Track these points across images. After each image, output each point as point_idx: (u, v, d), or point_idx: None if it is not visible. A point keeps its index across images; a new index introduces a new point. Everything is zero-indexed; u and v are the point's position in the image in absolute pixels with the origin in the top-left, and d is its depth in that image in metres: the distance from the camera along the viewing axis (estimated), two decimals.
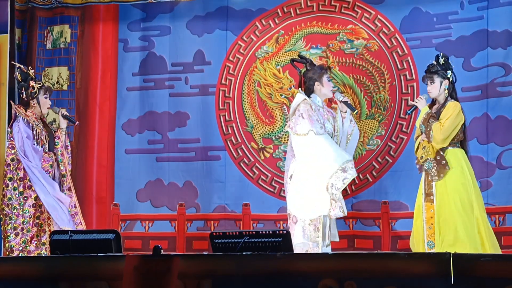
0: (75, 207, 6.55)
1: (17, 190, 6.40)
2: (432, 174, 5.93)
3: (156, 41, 7.69)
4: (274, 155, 7.39)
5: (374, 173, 7.14)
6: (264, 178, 7.39)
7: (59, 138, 6.61)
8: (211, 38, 7.57)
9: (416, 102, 6.13)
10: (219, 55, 7.56)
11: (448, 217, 5.84)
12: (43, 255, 6.26)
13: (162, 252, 4.42)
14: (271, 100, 7.47)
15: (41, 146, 6.50)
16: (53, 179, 6.51)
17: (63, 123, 6.69)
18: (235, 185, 7.41)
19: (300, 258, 4.47)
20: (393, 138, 7.12)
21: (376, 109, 7.18)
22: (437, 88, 6.03)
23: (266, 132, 7.45)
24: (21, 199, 6.39)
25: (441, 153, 5.92)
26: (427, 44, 7.04)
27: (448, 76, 6.02)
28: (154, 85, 7.70)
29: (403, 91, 7.12)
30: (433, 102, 6.12)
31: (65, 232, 5.04)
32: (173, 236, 7.50)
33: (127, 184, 7.67)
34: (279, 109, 7.44)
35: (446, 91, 6.02)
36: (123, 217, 7.64)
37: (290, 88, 7.41)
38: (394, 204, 6.99)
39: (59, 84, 7.84)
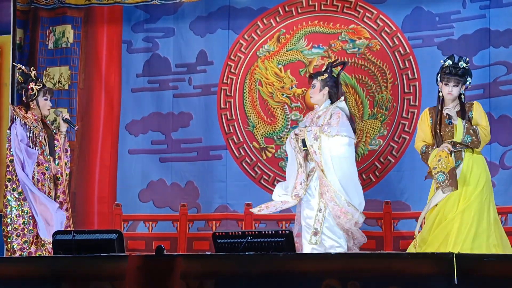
0: (67, 210, 6.54)
1: (16, 191, 6.39)
2: (444, 187, 5.75)
3: (160, 42, 7.70)
4: (276, 155, 7.39)
5: (377, 173, 7.13)
6: (266, 178, 7.38)
7: (58, 141, 6.60)
8: (213, 38, 7.57)
9: (450, 112, 5.85)
10: (221, 55, 7.56)
11: (470, 220, 5.77)
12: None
13: (165, 252, 4.42)
14: (272, 100, 7.47)
15: (41, 148, 6.49)
16: (49, 181, 6.51)
17: (63, 127, 6.66)
18: (237, 184, 7.41)
19: (303, 258, 4.47)
20: (396, 138, 7.11)
21: (378, 109, 7.17)
22: (458, 90, 5.92)
23: (267, 131, 7.45)
24: (21, 200, 6.38)
25: (455, 169, 5.77)
26: (429, 43, 7.03)
27: (467, 82, 5.95)
28: (158, 86, 7.70)
29: (405, 90, 7.12)
30: (441, 103, 5.98)
31: (68, 232, 5.04)
32: (175, 236, 7.50)
33: (129, 184, 7.66)
34: (280, 109, 7.43)
35: (463, 96, 5.94)
36: (125, 217, 7.63)
37: (292, 87, 7.41)
38: (396, 204, 6.99)
39: (61, 83, 7.84)
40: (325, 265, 4.13)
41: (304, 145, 6.25)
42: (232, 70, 7.55)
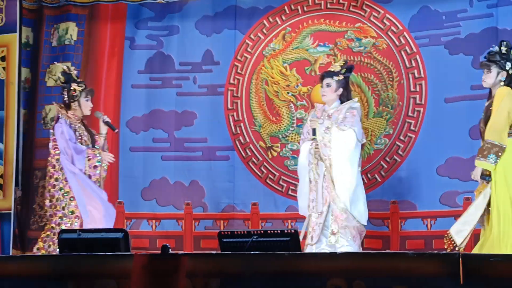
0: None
1: (63, 190, 6.40)
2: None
3: (165, 40, 7.68)
4: (281, 154, 7.38)
5: (383, 173, 7.11)
6: (272, 177, 7.38)
7: (97, 143, 6.61)
8: (219, 38, 7.56)
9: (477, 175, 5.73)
10: (228, 55, 7.55)
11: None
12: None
13: (170, 251, 4.42)
14: (277, 98, 7.46)
15: (86, 146, 6.50)
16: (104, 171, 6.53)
17: (104, 129, 6.68)
18: (244, 184, 7.40)
19: (309, 258, 4.47)
20: (401, 137, 7.09)
21: (384, 107, 7.16)
22: (492, 78, 5.75)
23: (273, 130, 7.44)
24: (68, 199, 6.40)
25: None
26: (436, 42, 7.02)
27: (507, 68, 5.73)
28: (161, 83, 7.69)
29: (411, 89, 7.10)
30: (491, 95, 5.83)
31: (74, 230, 5.04)
32: (180, 235, 7.49)
33: (132, 182, 7.64)
34: (286, 107, 7.42)
35: (502, 83, 5.73)
36: (128, 215, 7.62)
37: (297, 85, 7.40)
38: (403, 204, 6.97)
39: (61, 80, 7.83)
40: (330, 264, 4.12)
41: (314, 134, 6.28)
42: (239, 71, 7.54)
